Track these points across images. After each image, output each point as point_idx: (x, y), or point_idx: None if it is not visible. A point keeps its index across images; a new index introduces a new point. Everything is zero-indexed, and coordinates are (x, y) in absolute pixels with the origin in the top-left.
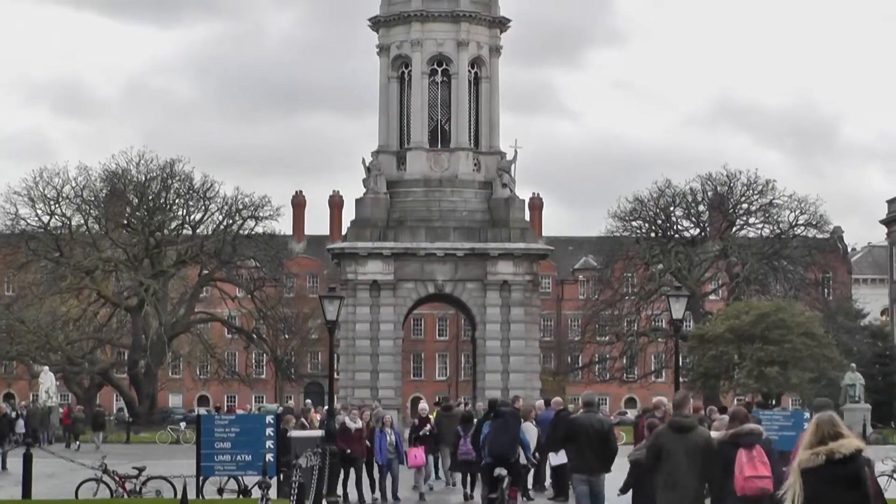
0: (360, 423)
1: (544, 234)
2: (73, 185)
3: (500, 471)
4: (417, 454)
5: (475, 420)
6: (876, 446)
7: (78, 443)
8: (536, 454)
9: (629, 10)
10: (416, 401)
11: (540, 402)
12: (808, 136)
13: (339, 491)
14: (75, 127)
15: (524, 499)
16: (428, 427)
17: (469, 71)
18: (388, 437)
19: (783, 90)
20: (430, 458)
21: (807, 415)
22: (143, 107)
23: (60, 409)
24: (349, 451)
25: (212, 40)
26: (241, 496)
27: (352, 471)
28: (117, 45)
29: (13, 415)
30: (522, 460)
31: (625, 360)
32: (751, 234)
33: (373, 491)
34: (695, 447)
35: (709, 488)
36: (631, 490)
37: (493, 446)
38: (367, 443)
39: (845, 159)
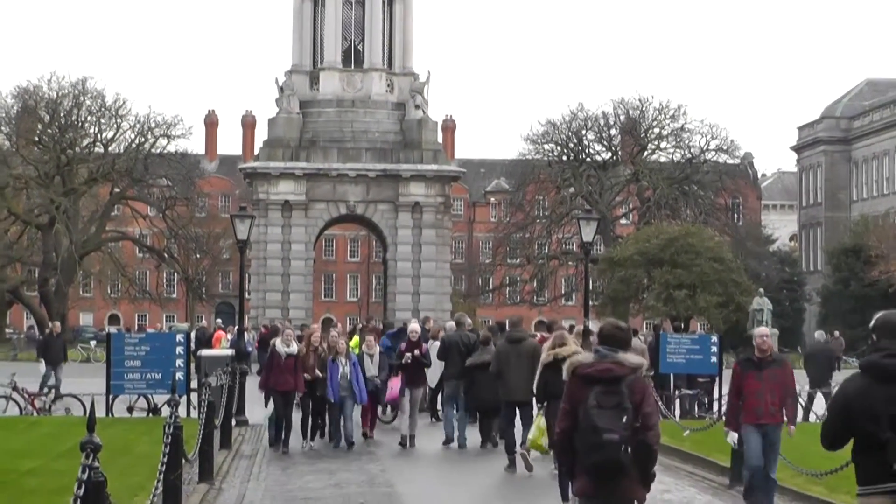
0: (294, 348)
1: (457, 156)
2: None
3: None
4: (394, 385)
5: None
6: None
7: None
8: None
9: None
10: (327, 322)
11: (450, 324)
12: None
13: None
14: None
15: (433, 419)
16: (413, 354)
17: None
18: (340, 368)
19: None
20: (413, 393)
21: (714, 338)
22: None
23: None
24: (277, 386)
25: None
26: (150, 415)
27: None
28: None
29: None
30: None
31: (535, 283)
32: (662, 159)
33: (306, 436)
34: (524, 353)
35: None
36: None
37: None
38: (319, 373)
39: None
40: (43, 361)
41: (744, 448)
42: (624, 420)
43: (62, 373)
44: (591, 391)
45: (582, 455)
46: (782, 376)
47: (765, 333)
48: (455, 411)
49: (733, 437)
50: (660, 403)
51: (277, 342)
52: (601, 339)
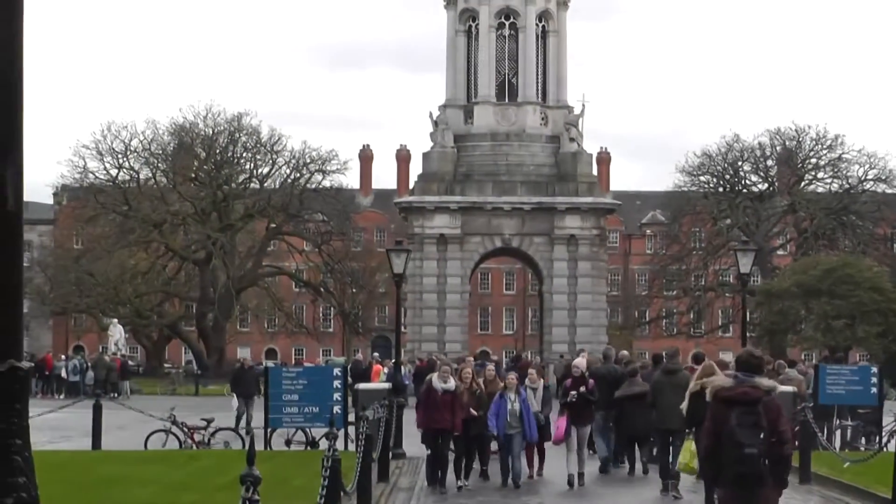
0: (452, 384)
1: (612, 188)
2: (141, 138)
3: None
4: (560, 425)
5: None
6: None
7: (116, 394)
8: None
9: None
10: (482, 355)
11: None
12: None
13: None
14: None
15: (590, 451)
16: (579, 391)
17: (536, 25)
18: (509, 404)
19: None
20: (580, 431)
21: (874, 369)
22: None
23: (130, 362)
24: (433, 424)
25: None
26: (308, 448)
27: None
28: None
29: (85, 366)
30: None
31: (692, 315)
32: (819, 189)
33: (458, 475)
34: (679, 384)
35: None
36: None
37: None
38: (473, 412)
39: None
40: (235, 395)
41: None
42: (761, 436)
43: (254, 407)
44: (731, 412)
45: (726, 468)
46: None
47: None
48: (605, 441)
49: None
50: (820, 435)
51: (434, 378)
52: (738, 365)
